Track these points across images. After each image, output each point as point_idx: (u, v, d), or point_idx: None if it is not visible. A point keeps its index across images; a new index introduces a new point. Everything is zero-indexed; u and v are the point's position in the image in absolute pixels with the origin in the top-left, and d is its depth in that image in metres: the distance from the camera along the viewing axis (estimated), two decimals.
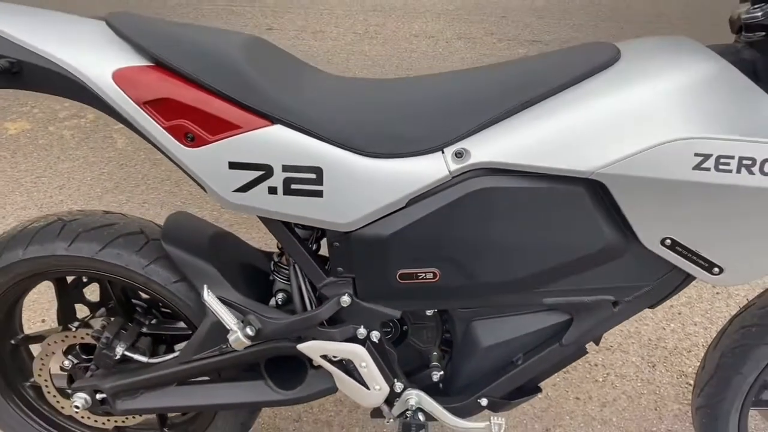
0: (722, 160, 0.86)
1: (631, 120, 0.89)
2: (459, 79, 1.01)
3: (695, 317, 1.89)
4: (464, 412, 1.16)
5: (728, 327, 1.22)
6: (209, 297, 1.04)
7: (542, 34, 3.89)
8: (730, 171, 0.86)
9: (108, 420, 1.34)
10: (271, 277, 1.19)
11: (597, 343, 1.16)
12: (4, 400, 1.34)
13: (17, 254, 1.16)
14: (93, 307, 1.31)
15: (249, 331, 1.04)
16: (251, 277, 1.20)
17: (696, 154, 0.86)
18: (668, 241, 0.94)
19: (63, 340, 1.25)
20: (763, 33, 0.93)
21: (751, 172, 0.85)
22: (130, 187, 2.54)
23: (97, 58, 0.94)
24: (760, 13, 0.92)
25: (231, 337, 1.05)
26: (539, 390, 1.20)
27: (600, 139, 0.89)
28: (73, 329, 1.25)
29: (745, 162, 0.85)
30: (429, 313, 1.12)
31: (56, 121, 3.03)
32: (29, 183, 2.57)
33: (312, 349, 1.08)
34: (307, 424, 1.58)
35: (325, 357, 1.10)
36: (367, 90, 1.03)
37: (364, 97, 1.01)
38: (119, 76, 0.94)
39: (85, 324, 1.27)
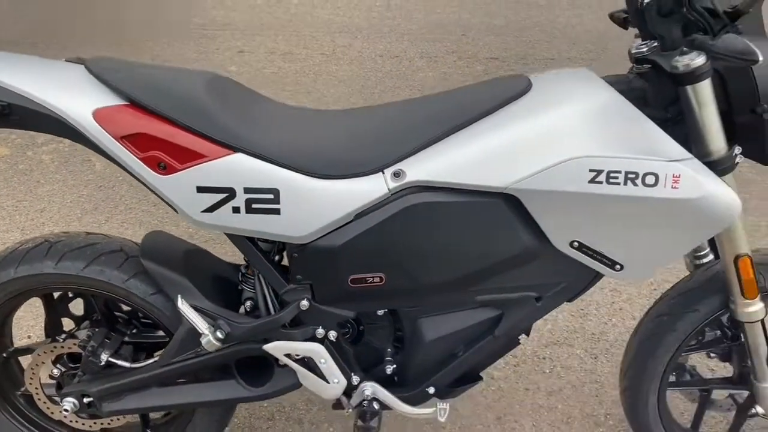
0: (612, 175, 1.03)
1: (538, 142, 1.05)
2: (396, 109, 1.18)
3: (635, 312, 2.07)
4: (414, 400, 1.31)
5: (645, 317, 1.39)
6: (183, 305, 1.18)
7: (500, 51, 4.10)
8: (618, 183, 1.03)
9: (94, 423, 1.46)
10: (239, 287, 1.33)
11: (527, 334, 1.32)
12: None
13: (9, 274, 1.29)
14: (78, 320, 1.43)
15: (219, 334, 1.19)
16: (222, 288, 1.34)
17: (591, 170, 1.03)
18: (576, 244, 1.10)
19: (51, 351, 1.38)
20: (650, 65, 1.11)
21: (635, 184, 1.03)
22: (108, 208, 2.66)
23: (78, 99, 1.09)
24: (645, 49, 1.10)
25: (203, 340, 1.19)
26: (480, 378, 1.35)
27: (512, 158, 1.06)
28: (61, 340, 1.38)
29: (630, 176, 1.03)
30: (380, 312, 1.27)
31: (35, 146, 3.13)
32: (11, 207, 2.67)
33: (276, 348, 1.23)
34: (279, 422, 1.72)
35: (288, 355, 1.24)
36: (316, 119, 1.19)
37: (314, 126, 1.16)
38: (99, 115, 1.09)
39: (71, 335, 1.40)
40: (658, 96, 1.11)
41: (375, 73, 3.83)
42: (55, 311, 1.42)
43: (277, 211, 1.11)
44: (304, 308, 1.20)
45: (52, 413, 1.45)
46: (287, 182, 1.10)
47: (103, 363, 1.32)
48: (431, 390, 1.30)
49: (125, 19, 4.80)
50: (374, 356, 1.34)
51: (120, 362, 1.33)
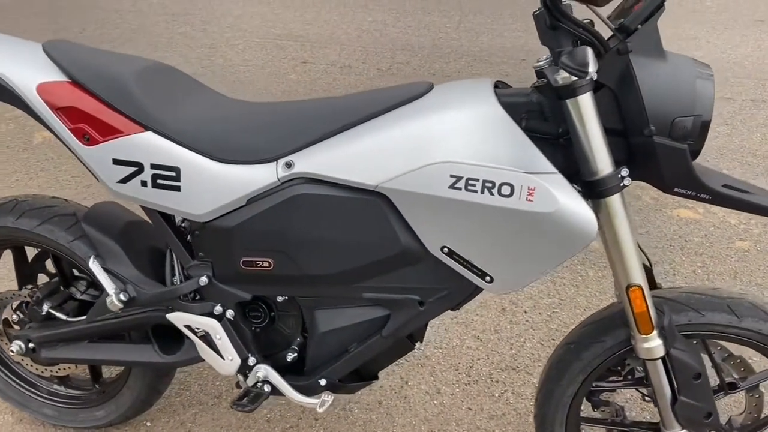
0: (470, 182, 1.02)
1: (409, 144, 1.07)
2: (304, 105, 1.24)
3: None
4: (306, 390, 1.34)
5: (559, 344, 1.34)
6: (93, 265, 1.30)
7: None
8: (476, 191, 1.02)
9: (45, 369, 1.62)
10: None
11: (420, 340, 1.32)
12: None
13: None
14: (51, 276, 1.60)
15: (123, 296, 1.29)
16: (155, 260, 1.45)
17: (451, 176, 1.03)
18: (446, 250, 1.10)
19: (11, 297, 1.55)
20: (545, 80, 1.09)
21: (491, 193, 1.02)
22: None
23: (27, 73, 1.24)
24: (544, 62, 1.08)
25: (107, 300, 1.30)
26: (376, 378, 1.36)
27: (384, 157, 1.08)
28: (19, 290, 1.55)
29: (487, 184, 1.01)
30: (280, 299, 1.32)
31: None
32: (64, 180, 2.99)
33: (177, 318, 1.31)
34: (225, 401, 1.80)
35: (189, 328, 1.32)
36: (233, 108, 1.27)
37: (227, 114, 1.25)
38: (41, 88, 1.23)
39: (33, 287, 1.57)
40: (551, 111, 1.09)
41: None
42: (23, 264, 1.59)
43: (178, 188, 1.21)
44: (203, 284, 1.27)
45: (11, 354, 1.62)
46: (188, 162, 1.19)
47: (44, 312, 1.47)
48: (323, 382, 1.32)
49: (209, 28, 5.20)
50: (283, 343, 1.39)
51: (59, 314, 1.47)
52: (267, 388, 1.33)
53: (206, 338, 1.32)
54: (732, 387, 1.23)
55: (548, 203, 1.00)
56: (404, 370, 1.91)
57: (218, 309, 1.29)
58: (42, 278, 1.62)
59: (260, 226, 1.19)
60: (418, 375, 1.88)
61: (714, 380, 1.21)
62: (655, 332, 1.13)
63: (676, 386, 1.17)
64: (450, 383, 1.85)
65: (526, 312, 2.12)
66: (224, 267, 1.26)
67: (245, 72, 4.25)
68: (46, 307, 1.47)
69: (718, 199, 1.06)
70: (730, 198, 1.05)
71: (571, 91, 1.00)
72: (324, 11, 5.52)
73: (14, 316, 1.56)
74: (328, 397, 1.30)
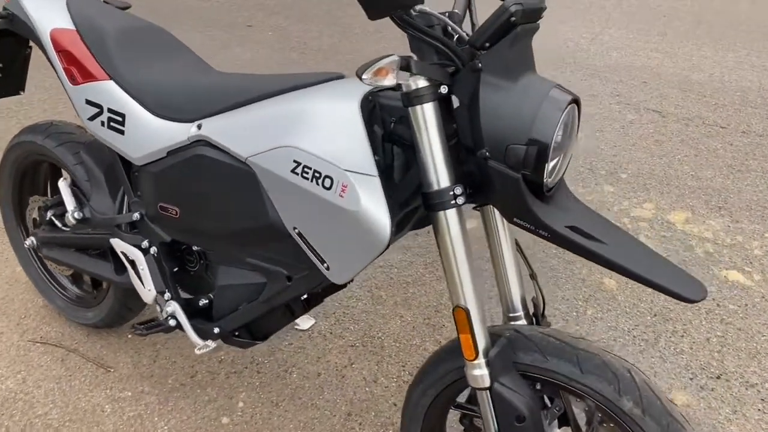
0: (305, 169, 1.07)
1: (275, 124, 1.14)
2: (229, 77, 1.36)
3: None
4: (203, 333, 1.48)
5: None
6: (61, 184, 1.56)
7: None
8: (308, 179, 1.07)
9: (57, 266, 1.96)
10: None
11: (304, 313, 1.39)
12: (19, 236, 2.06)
13: (20, 137, 1.82)
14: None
15: (77, 215, 1.54)
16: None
17: (294, 161, 1.09)
18: (297, 231, 1.16)
19: (35, 202, 1.90)
20: None
21: (317, 183, 1.06)
22: None
23: (47, 18, 1.52)
24: None
25: (67, 214, 1.55)
26: (263, 339, 1.46)
27: (257, 133, 1.17)
28: (43, 197, 1.89)
29: (315, 174, 1.06)
30: (194, 248, 1.47)
31: None
32: None
33: (116, 243, 1.53)
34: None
35: (124, 254, 1.53)
36: (185, 72, 1.44)
37: (176, 76, 1.42)
38: (53, 33, 1.51)
39: (48, 198, 1.90)
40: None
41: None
42: (54, 177, 1.93)
43: (122, 132, 1.41)
44: (136, 219, 1.47)
45: None
46: (132, 111, 1.39)
47: (47, 219, 1.78)
48: (216, 330, 1.46)
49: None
50: (200, 289, 1.55)
51: (57, 223, 1.78)
52: (172, 322, 1.50)
53: (133, 266, 1.52)
54: None
55: (354, 202, 1.02)
56: (357, 352, 1.97)
57: (145, 243, 1.49)
58: None
59: (170, 177, 1.35)
60: (365, 360, 1.94)
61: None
62: (480, 360, 1.09)
63: (497, 424, 1.12)
64: (390, 377, 1.89)
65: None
66: (149, 208, 1.44)
67: None
68: (49, 215, 1.78)
69: (557, 239, 0.99)
70: (570, 241, 0.98)
71: (412, 99, 1.00)
72: None
73: (36, 218, 1.91)
74: (210, 344, 1.44)
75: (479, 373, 1.09)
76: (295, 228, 1.17)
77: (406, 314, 2.15)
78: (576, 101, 1.02)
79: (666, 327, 2.06)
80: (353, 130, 1.06)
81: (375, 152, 1.06)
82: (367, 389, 1.85)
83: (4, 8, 1.60)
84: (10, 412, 1.77)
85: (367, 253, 1.06)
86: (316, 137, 1.08)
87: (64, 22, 1.51)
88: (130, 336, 2.04)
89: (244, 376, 1.89)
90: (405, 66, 0.97)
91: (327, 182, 1.05)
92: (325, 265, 1.15)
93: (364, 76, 0.90)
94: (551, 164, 1.02)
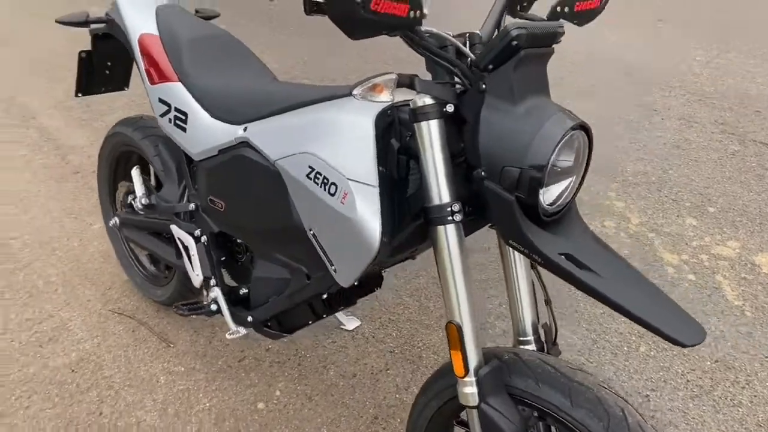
0: (317, 175, 1.14)
1: (299, 132, 1.22)
2: (277, 86, 1.46)
3: None
4: (239, 320, 1.59)
5: None
6: (134, 173, 1.74)
7: None
8: (318, 184, 1.14)
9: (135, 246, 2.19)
10: None
11: (329, 313, 1.45)
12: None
13: (116, 129, 2.05)
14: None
15: (144, 200, 1.71)
16: None
17: (309, 166, 1.16)
18: (312, 233, 1.23)
19: (122, 187, 2.12)
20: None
21: (325, 189, 1.12)
22: None
23: (137, 25, 1.72)
24: None
25: (135, 200, 1.73)
26: (290, 332, 1.54)
27: (284, 139, 1.26)
28: (129, 182, 2.11)
29: (325, 180, 1.12)
30: (239, 241, 1.58)
31: None
32: None
33: (174, 230, 1.68)
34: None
35: (180, 240, 1.68)
36: (245, 79, 1.56)
37: (236, 83, 1.54)
38: (141, 37, 1.70)
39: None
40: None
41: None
42: (146, 165, 2.16)
43: (185, 129, 1.56)
44: (191, 209, 1.62)
45: None
46: (193, 111, 1.53)
47: (128, 202, 2.00)
48: (249, 318, 1.56)
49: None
50: (248, 278, 1.67)
51: (136, 206, 1.98)
52: (214, 306, 1.63)
53: (187, 251, 1.67)
54: None
55: (351, 209, 1.07)
56: (394, 359, 2.01)
57: (197, 232, 1.63)
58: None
59: (219, 173, 1.47)
60: (401, 368, 1.98)
61: None
62: (470, 378, 1.09)
63: None
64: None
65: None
66: (202, 200, 1.58)
67: None
68: (129, 198, 1.99)
69: (549, 266, 0.99)
70: (562, 269, 0.97)
71: (418, 115, 1.04)
72: None
73: (122, 201, 2.14)
74: (242, 330, 1.55)
75: (468, 390, 1.10)
76: (310, 229, 1.24)
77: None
78: (584, 127, 1.01)
79: (726, 375, 1.91)
80: (363, 142, 1.11)
81: (385, 164, 1.10)
82: (397, 396, 1.89)
83: (107, 14, 1.82)
84: (82, 371, 2.00)
85: (361, 258, 1.11)
86: (329, 146, 1.15)
87: (151, 29, 1.70)
88: (193, 317, 2.21)
89: (285, 366, 2.00)
90: (409, 84, 1.01)
91: (332, 189, 1.12)
92: (333, 267, 1.21)
93: (354, 92, 0.96)
94: (552, 189, 1.02)
